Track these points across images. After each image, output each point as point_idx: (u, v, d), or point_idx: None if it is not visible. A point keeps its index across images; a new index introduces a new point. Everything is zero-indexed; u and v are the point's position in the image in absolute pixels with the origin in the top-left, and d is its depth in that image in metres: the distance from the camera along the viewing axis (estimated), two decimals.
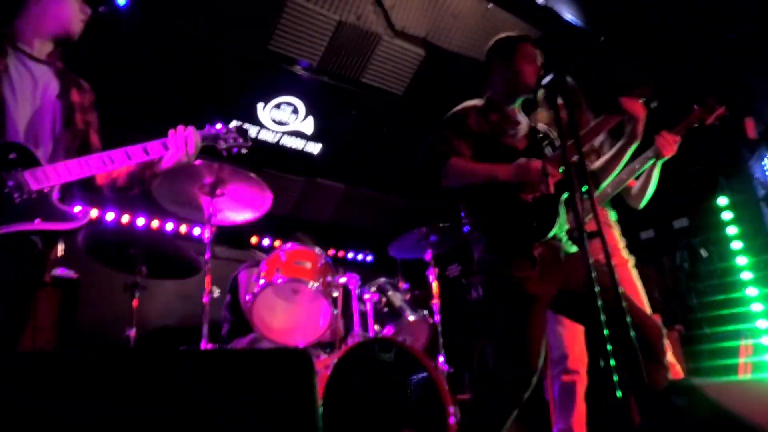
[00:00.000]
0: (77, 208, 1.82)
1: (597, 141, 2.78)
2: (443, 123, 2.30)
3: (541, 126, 2.37)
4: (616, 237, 2.89)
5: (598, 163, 2.36)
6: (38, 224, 1.68)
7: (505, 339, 2.04)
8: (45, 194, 1.72)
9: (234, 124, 2.23)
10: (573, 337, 2.80)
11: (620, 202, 2.95)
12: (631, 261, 2.83)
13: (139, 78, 3.94)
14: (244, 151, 2.17)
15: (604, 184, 2.37)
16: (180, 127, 1.97)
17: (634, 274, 2.81)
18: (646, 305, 2.72)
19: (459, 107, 2.34)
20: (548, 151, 2.24)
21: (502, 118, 2.30)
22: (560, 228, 2.14)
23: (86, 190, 2.00)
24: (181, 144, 1.94)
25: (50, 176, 1.73)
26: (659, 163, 2.68)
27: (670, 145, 2.55)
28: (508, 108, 2.34)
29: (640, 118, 2.21)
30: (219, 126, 2.13)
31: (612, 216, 2.95)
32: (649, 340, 1.95)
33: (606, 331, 1.44)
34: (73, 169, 1.77)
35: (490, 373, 2.06)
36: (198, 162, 2.50)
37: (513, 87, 2.31)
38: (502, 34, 2.43)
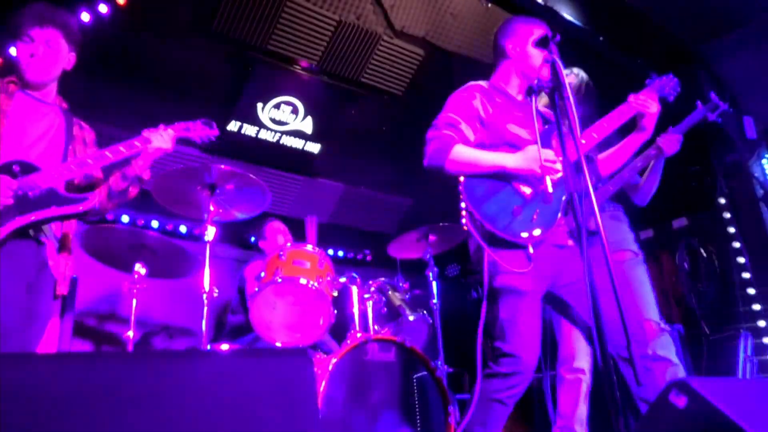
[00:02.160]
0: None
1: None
2: (449, 104, 2.23)
3: (547, 112, 2.31)
4: (625, 231, 2.86)
5: (603, 155, 2.34)
6: (54, 210, 1.99)
7: (499, 335, 2.02)
8: (53, 189, 2.01)
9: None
10: (577, 335, 2.80)
11: (622, 199, 2.94)
12: (641, 255, 2.80)
13: (138, 78, 3.94)
14: (214, 139, 2.46)
15: (608, 177, 2.35)
16: (152, 129, 2.27)
17: (641, 270, 2.77)
18: (651, 303, 2.69)
19: (464, 87, 2.26)
20: (556, 143, 2.17)
21: (508, 102, 2.23)
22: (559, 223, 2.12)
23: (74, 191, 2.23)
24: (156, 135, 2.23)
25: (53, 175, 2.02)
26: (662, 161, 2.68)
27: (672, 142, 2.55)
28: (513, 91, 2.27)
29: (652, 113, 2.20)
30: (187, 123, 2.41)
31: (620, 211, 2.92)
32: (634, 342, 1.91)
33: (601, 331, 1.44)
34: (68, 169, 2.06)
35: (486, 369, 2.05)
36: (197, 164, 2.56)
37: (523, 72, 2.23)
38: (518, 17, 2.34)
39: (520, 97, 2.28)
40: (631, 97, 2.26)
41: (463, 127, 2.13)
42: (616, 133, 2.51)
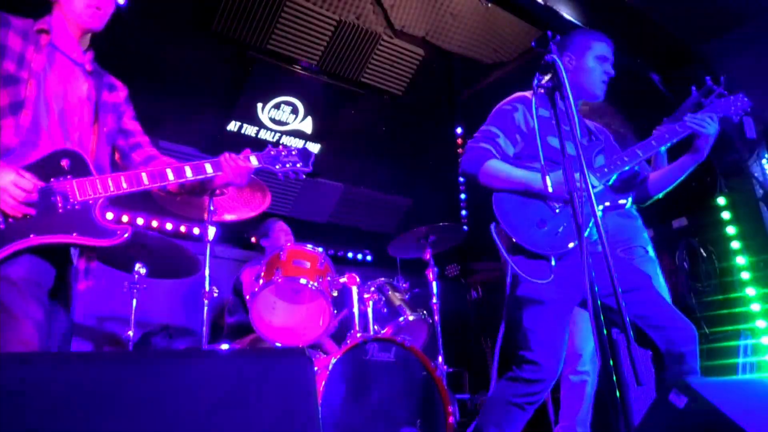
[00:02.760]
0: (124, 218, 1.86)
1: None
2: (492, 116, 2.24)
3: (594, 125, 2.29)
4: (639, 227, 2.85)
5: (655, 174, 2.29)
6: (75, 238, 1.68)
7: (522, 343, 2.02)
8: (89, 206, 1.72)
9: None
10: (585, 337, 2.80)
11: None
12: (651, 252, 2.79)
13: (138, 78, 3.93)
14: (302, 176, 2.08)
15: (658, 196, 2.30)
16: (233, 156, 1.94)
17: (652, 267, 2.76)
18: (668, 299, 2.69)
19: (508, 99, 2.26)
20: (600, 158, 2.16)
21: (554, 115, 2.24)
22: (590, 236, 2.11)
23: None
24: (234, 173, 1.92)
25: (97, 188, 1.73)
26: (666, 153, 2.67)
27: (672, 132, 2.54)
28: (561, 104, 2.28)
29: (708, 134, 2.12)
30: (279, 148, 2.06)
31: (633, 208, 2.89)
32: (677, 342, 1.92)
33: (605, 331, 1.44)
34: (120, 183, 1.77)
35: (508, 372, 2.04)
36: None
37: (575, 85, 2.19)
38: (581, 29, 2.33)
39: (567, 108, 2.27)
40: (688, 116, 2.18)
41: (501, 140, 2.16)
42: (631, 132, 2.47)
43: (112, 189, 1.74)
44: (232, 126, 4.38)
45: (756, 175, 4.24)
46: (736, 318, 4.04)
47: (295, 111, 4.57)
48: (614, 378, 1.39)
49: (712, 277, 4.22)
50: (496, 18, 4.17)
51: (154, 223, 4.43)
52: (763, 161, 4.37)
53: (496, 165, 2.11)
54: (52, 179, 1.67)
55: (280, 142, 4.63)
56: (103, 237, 1.72)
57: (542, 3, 3.84)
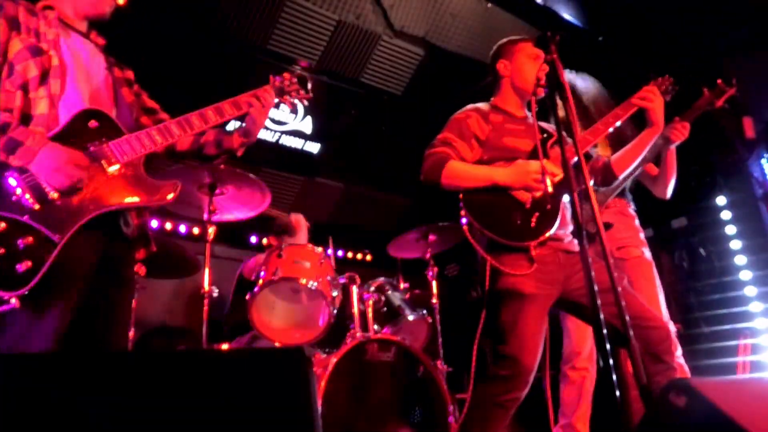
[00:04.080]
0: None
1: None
2: (446, 125, 2.31)
3: (546, 125, 2.36)
4: (636, 227, 2.86)
5: (616, 155, 2.35)
6: (144, 200, 1.63)
7: (500, 338, 2.04)
8: (135, 166, 1.66)
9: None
10: (584, 334, 2.80)
11: (635, 194, 2.93)
12: (647, 253, 2.80)
13: (137, 78, 3.93)
14: (305, 102, 2.15)
15: (623, 175, 2.36)
16: (252, 96, 1.98)
17: (648, 267, 2.77)
18: (655, 301, 2.69)
19: (461, 110, 2.35)
20: (555, 150, 2.22)
21: (506, 118, 2.30)
22: (565, 228, 2.14)
23: (170, 158, 1.99)
24: (258, 111, 1.95)
25: (135, 147, 1.67)
26: (673, 149, 2.68)
27: (679, 130, 2.56)
28: (512, 108, 2.34)
29: (655, 107, 2.21)
30: (281, 77, 2.12)
31: (630, 206, 2.92)
32: (651, 341, 1.95)
33: (605, 331, 1.44)
34: (154, 137, 1.72)
35: (486, 372, 2.06)
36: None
37: (516, 88, 2.33)
38: (506, 39, 2.42)
39: (520, 113, 2.35)
40: (633, 97, 2.29)
41: (459, 144, 2.21)
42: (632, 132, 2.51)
43: (148, 146, 1.69)
44: (232, 126, 4.38)
45: (755, 174, 4.24)
46: (735, 317, 4.04)
47: (294, 111, 4.57)
48: (614, 378, 1.39)
49: (712, 277, 4.23)
50: (496, 18, 4.16)
51: (154, 223, 4.43)
52: (763, 161, 4.37)
53: (456, 166, 2.15)
54: (87, 144, 1.61)
55: (280, 141, 4.63)
56: (164, 192, 1.67)
57: (542, 3, 3.84)
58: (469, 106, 2.35)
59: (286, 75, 2.11)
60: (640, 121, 2.31)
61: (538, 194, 2.08)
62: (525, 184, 2.07)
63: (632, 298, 2.02)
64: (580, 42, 4.13)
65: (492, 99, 2.41)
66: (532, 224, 2.06)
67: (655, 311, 2.67)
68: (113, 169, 1.63)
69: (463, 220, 2.10)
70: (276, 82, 2.08)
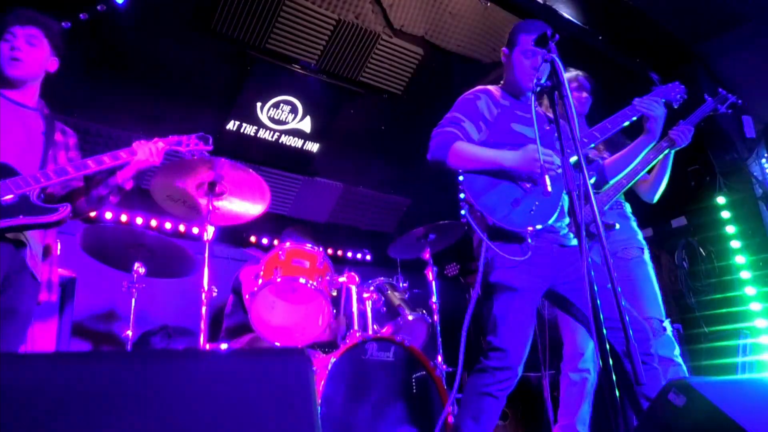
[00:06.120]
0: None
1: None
2: (455, 105, 2.28)
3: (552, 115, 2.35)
4: (631, 228, 2.86)
5: (610, 159, 2.36)
6: (22, 219, 1.93)
7: (490, 330, 2.06)
8: (26, 196, 1.96)
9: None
10: (585, 336, 2.80)
11: (630, 196, 2.93)
12: (646, 253, 2.81)
13: (137, 78, 3.93)
14: (206, 154, 2.50)
15: (613, 180, 2.37)
16: (143, 141, 2.25)
17: (647, 268, 2.77)
18: (654, 301, 2.69)
19: (472, 90, 2.32)
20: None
21: (515, 103, 2.29)
22: (562, 220, 2.13)
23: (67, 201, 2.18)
24: (146, 153, 2.21)
25: (28, 182, 1.97)
26: (672, 154, 2.70)
27: (684, 133, 2.57)
28: (521, 94, 2.32)
29: (657, 116, 2.23)
30: (183, 136, 2.45)
31: (627, 208, 2.93)
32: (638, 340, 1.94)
33: (604, 331, 1.44)
34: (46, 176, 2.00)
35: (477, 364, 2.07)
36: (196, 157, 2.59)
37: (518, 79, 2.30)
38: (517, 23, 2.39)
39: (527, 98, 2.33)
40: (636, 100, 2.29)
41: (467, 125, 2.19)
42: (625, 139, 2.52)
43: (42, 180, 1.99)
44: (231, 125, 4.38)
45: (755, 174, 4.24)
46: (735, 317, 4.04)
47: (294, 110, 4.56)
48: (614, 377, 1.39)
49: (711, 277, 4.23)
50: (496, 17, 4.16)
51: (153, 223, 4.43)
52: (763, 161, 4.37)
53: (463, 146, 2.13)
54: None
55: (280, 141, 4.63)
56: (48, 214, 1.98)
57: (541, 2, 3.84)
58: (479, 87, 2.32)
59: (187, 136, 2.45)
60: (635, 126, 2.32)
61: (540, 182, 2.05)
62: (531, 171, 2.04)
63: (614, 300, 2.02)
64: (579, 41, 4.13)
65: (502, 82, 2.38)
66: (531, 211, 2.05)
67: (655, 311, 2.68)
68: (8, 197, 1.93)
69: (462, 197, 2.07)
70: (176, 138, 2.40)
